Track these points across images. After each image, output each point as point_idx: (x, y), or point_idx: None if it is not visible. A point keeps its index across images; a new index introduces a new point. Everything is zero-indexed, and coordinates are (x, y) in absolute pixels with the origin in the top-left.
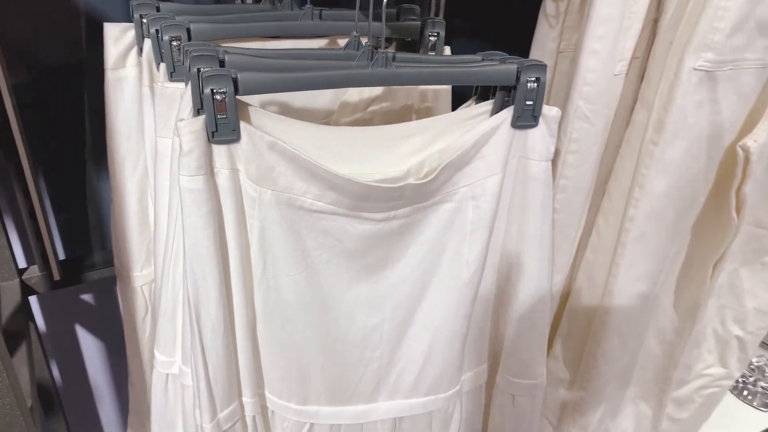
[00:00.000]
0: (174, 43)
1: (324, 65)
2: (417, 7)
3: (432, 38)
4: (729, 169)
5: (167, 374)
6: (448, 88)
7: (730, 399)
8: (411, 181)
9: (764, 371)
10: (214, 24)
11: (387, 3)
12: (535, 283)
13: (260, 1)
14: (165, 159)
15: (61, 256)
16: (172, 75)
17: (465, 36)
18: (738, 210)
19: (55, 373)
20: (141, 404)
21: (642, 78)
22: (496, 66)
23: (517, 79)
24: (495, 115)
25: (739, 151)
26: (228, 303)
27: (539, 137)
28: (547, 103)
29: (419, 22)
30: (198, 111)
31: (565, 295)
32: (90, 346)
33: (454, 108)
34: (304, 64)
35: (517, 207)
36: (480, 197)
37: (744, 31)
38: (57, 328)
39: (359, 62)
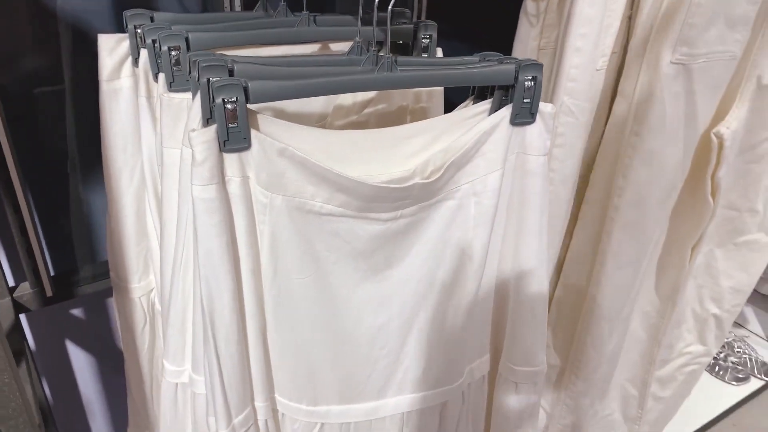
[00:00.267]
0: (173, 53)
1: (331, 71)
2: (408, 11)
3: (425, 41)
4: (704, 156)
5: (176, 383)
6: (440, 88)
7: (704, 375)
8: (417, 180)
9: (734, 347)
10: (213, 33)
11: (378, 8)
12: (534, 273)
13: (253, 8)
14: (172, 169)
15: (51, 272)
16: (171, 85)
17: (448, 38)
18: (713, 194)
19: (46, 389)
20: (141, 416)
21: (619, 72)
22: (495, 66)
23: (516, 78)
24: (494, 114)
25: (713, 138)
26: (240, 309)
27: (536, 133)
28: None
29: (412, 25)
30: (207, 120)
31: (554, 285)
32: (81, 362)
33: (447, 108)
34: (311, 71)
35: (516, 201)
36: (481, 193)
37: (716, 25)
38: (47, 345)
39: (365, 67)
